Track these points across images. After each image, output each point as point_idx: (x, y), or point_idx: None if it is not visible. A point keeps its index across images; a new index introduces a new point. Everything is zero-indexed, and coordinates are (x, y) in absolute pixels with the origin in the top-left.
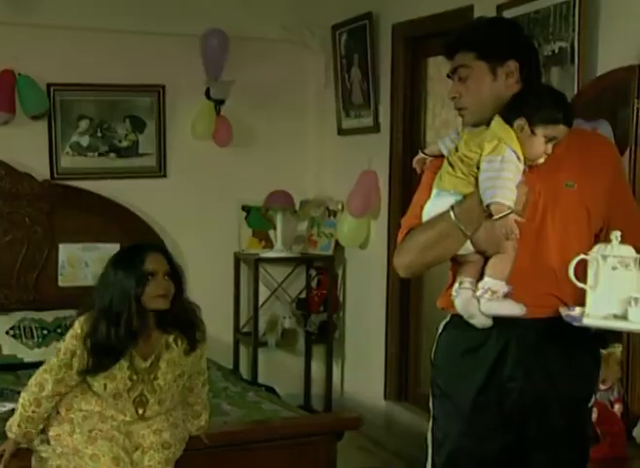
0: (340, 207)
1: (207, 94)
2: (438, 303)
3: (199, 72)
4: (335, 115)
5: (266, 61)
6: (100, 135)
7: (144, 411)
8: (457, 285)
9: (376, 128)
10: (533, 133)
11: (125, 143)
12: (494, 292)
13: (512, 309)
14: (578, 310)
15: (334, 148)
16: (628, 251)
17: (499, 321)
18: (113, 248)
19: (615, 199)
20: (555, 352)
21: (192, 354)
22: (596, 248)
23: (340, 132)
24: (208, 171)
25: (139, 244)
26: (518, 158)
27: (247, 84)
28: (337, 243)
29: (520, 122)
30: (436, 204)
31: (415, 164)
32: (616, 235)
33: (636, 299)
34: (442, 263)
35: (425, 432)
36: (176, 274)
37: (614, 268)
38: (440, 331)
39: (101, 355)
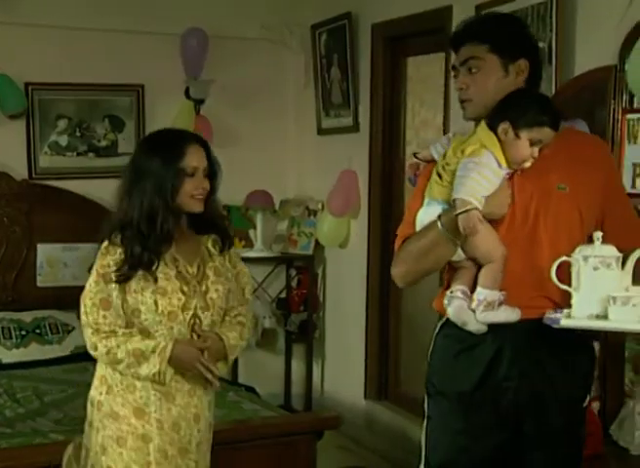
0: (319, 206)
1: (186, 93)
2: (434, 305)
3: (179, 71)
4: (314, 115)
5: (246, 61)
6: (78, 134)
7: (198, 336)
8: (448, 293)
9: (355, 127)
10: (517, 136)
11: (104, 143)
12: (489, 304)
13: (508, 316)
14: (565, 312)
15: (313, 148)
16: (610, 250)
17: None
18: (92, 248)
19: (609, 201)
20: (550, 352)
21: (229, 260)
22: (578, 249)
23: (320, 131)
24: None
25: (176, 130)
26: (498, 163)
27: (227, 83)
28: (317, 242)
29: (504, 126)
30: (427, 212)
31: (407, 168)
32: (597, 236)
33: (614, 298)
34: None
35: (405, 431)
36: (213, 172)
37: (595, 268)
38: (436, 331)
39: (138, 258)
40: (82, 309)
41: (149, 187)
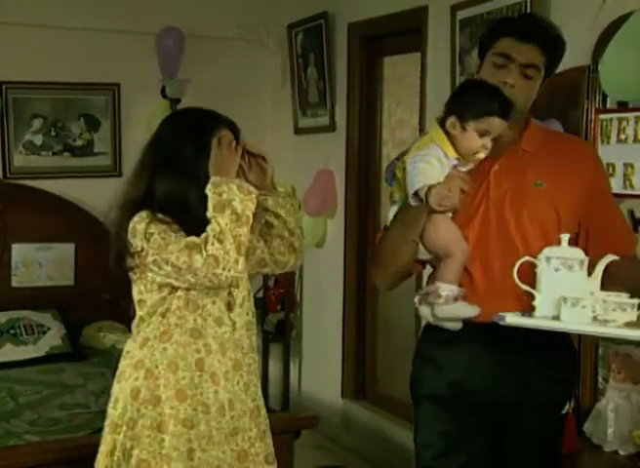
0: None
1: (163, 92)
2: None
3: (155, 71)
4: (291, 114)
5: (223, 60)
6: (53, 133)
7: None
8: (417, 295)
9: (332, 127)
10: (464, 129)
11: (79, 142)
12: (446, 298)
13: (464, 311)
14: (518, 313)
15: (290, 147)
16: (574, 253)
17: (469, 323)
18: (68, 248)
19: (593, 204)
20: (527, 355)
21: None
22: (545, 250)
23: (297, 131)
24: None
25: (204, 110)
26: (445, 154)
27: (203, 83)
28: None
29: (451, 119)
30: (391, 213)
31: (385, 169)
32: (564, 237)
33: (565, 299)
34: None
35: (383, 430)
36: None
37: (557, 270)
38: (421, 333)
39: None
40: (170, 262)
41: (178, 172)
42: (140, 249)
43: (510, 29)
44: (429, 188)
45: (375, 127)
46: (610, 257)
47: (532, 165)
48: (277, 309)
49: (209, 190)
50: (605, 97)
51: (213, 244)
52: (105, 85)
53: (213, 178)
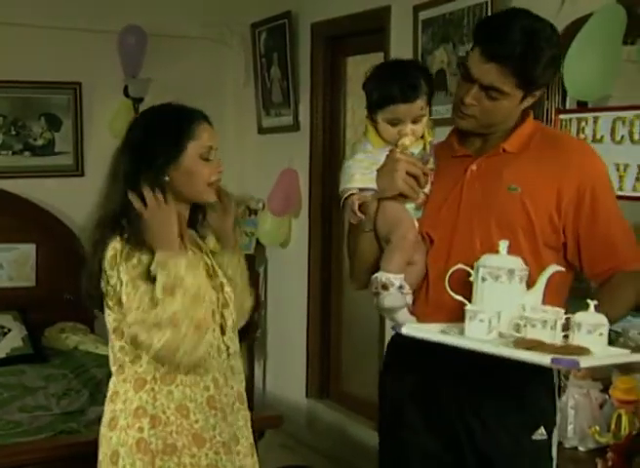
0: (260, 205)
1: (125, 91)
2: None
3: (117, 70)
4: (255, 114)
5: (186, 59)
6: (14, 133)
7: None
8: None
9: (296, 126)
10: (375, 121)
11: (40, 142)
12: (382, 287)
13: (392, 300)
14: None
15: (254, 147)
16: (504, 262)
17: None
18: (29, 248)
19: (580, 213)
20: (489, 377)
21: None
22: (481, 258)
23: (261, 130)
24: None
25: (176, 106)
26: (373, 145)
27: (166, 82)
28: (257, 242)
29: (366, 114)
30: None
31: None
32: (502, 245)
33: (466, 311)
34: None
35: (347, 429)
36: None
37: (483, 280)
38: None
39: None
40: (129, 335)
41: (155, 176)
42: (114, 283)
43: (476, 40)
44: (349, 196)
45: (338, 126)
46: (553, 268)
47: (510, 167)
48: None
49: (155, 270)
50: (565, 96)
51: (167, 329)
52: (67, 84)
53: (157, 257)
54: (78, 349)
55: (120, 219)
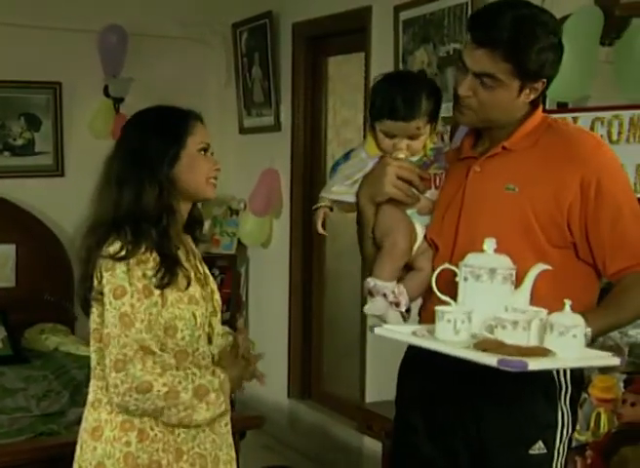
0: (241, 205)
1: (105, 91)
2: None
3: (97, 69)
4: (236, 114)
5: (166, 59)
6: None
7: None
8: None
9: (277, 126)
10: (374, 129)
11: (20, 141)
12: (369, 292)
13: (375, 307)
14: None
15: (235, 147)
16: (485, 261)
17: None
18: (9, 248)
19: (586, 212)
20: (483, 382)
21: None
22: (467, 256)
23: (242, 130)
24: None
25: (169, 107)
26: (367, 154)
27: (147, 82)
28: (239, 242)
29: (369, 122)
30: None
31: None
32: (488, 243)
33: (435, 311)
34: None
35: (329, 429)
36: None
37: (465, 279)
38: None
39: (166, 262)
40: (119, 341)
41: (154, 172)
42: (101, 292)
43: (468, 28)
44: (318, 207)
45: (319, 126)
46: (540, 267)
47: (509, 166)
48: (223, 309)
49: (216, 375)
50: (545, 97)
51: (159, 381)
52: (47, 83)
53: (228, 382)
54: (58, 350)
55: (116, 224)
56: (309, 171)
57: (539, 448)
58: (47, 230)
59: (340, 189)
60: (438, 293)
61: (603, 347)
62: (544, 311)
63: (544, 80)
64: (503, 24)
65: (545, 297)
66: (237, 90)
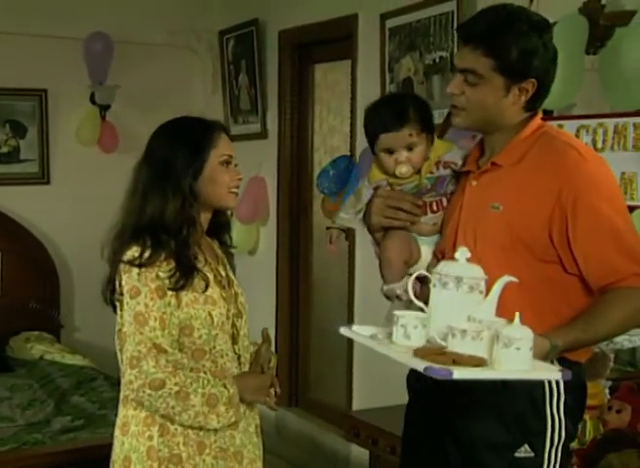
0: (228, 213)
1: (92, 99)
2: None
3: (83, 77)
4: (222, 121)
5: (153, 66)
6: None
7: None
8: None
9: (263, 134)
10: (375, 153)
11: (5, 149)
12: (387, 297)
13: (399, 310)
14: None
15: None
16: (456, 269)
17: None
18: None
19: (566, 227)
20: (471, 385)
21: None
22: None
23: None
24: (93, 177)
25: (195, 118)
26: (368, 181)
27: (133, 89)
28: None
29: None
30: None
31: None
32: (460, 251)
33: (396, 318)
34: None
35: (316, 437)
36: None
37: (434, 286)
38: None
39: (182, 268)
40: (134, 339)
41: (178, 184)
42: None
43: (458, 35)
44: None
45: (306, 134)
46: (506, 279)
47: (495, 184)
48: None
49: (227, 388)
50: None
51: (171, 380)
52: (32, 90)
53: (241, 395)
54: (44, 359)
55: (139, 231)
56: (296, 178)
57: (525, 450)
58: (32, 238)
59: (346, 217)
60: (413, 299)
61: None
62: (503, 322)
63: (534, 81)
64: (484, 19)
65: (531, 312)
66: (224, 97)
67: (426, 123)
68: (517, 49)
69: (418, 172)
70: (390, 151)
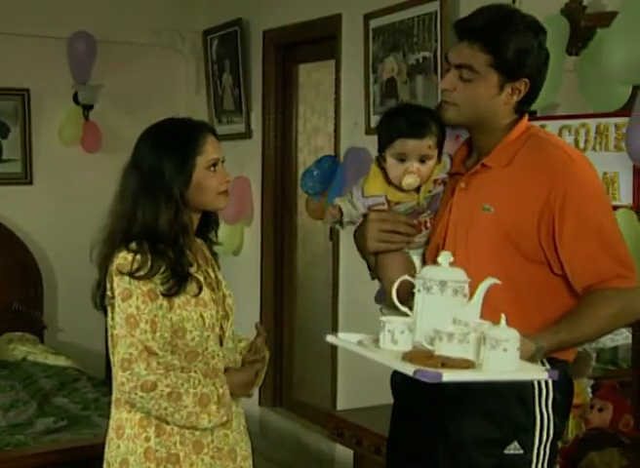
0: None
1: (75, 98)
2: None
3: (66, 76)
4: (206, 121)
5: (136, 66)
6: None
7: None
8: None
9: (247, 134)
10: (385, 159)
11: None
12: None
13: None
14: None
15: None
16: (440, 274)
17: None
18: None
19: (553, 229)
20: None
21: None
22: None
23: None
24: (76, 177)
25: (181, 121)
26: (362, 193)
27: (116, 89)
28: None
29: (377, 156)
30: None
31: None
32: (443, 255)
33: (383, 323)
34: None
35: (300, 437)
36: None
37: (418, 291)
38: None
39: (177, 276)
40: (125, 341)
41: (170, 192)
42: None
43: (454, 31)
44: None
45: (290, 134)
46: (490, 281)
47: (486, 185)
48: None
49: (217, 387)
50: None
51: (163, 382)
52: (14, 90)
53: (232, 392)
54: (27, 360)
55: (130, 236)
56: (280, 178)
57: (514, 448)
58: (15, 239)
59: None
60: (397, 304)
61: None
62: (487, 324)
63: (527, 81)
64: (483, 16)
65: (517, 313)
66: (207, 97)
67: (441, 142)
68: (514, 46)
69: (417, 190)
70: (402, 159)
